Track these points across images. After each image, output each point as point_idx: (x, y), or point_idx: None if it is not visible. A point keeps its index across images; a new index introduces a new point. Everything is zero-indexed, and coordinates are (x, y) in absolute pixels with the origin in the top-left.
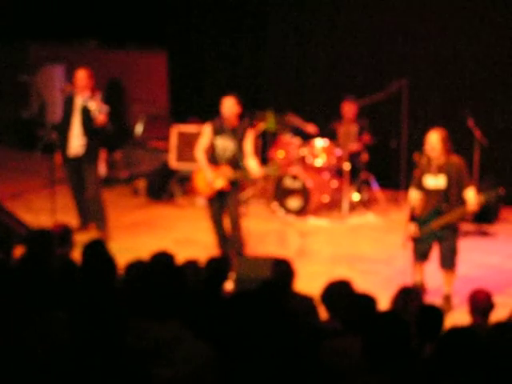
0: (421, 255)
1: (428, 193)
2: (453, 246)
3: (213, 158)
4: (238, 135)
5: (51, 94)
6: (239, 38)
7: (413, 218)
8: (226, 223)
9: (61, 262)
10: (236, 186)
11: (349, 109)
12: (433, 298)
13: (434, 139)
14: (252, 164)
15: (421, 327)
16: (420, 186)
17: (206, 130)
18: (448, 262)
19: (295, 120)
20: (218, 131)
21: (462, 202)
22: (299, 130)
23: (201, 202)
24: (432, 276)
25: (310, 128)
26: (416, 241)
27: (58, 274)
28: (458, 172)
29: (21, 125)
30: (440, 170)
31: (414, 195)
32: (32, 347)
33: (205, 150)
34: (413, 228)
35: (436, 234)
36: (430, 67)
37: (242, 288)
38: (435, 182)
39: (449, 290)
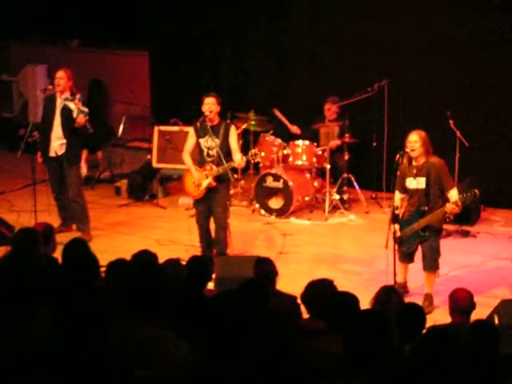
0: (405, 256)
1: (410, 193)
2: (434, 246)
3: (200, 159)
4: (219, 133)
5: (33, 93)
6: (221, 39)
7: (396, 218)
8: (212, 224)
9: (44, 261)
10: (224, 185)
11: (330, 109)
12: (414, 298)
13: (414, 140)
14: (237, 156)
15: (402, 326)
16: (402, 187)
17: (191, 132)
18: (429, 262)
19: (280, 115)
20: (200, 132)
21: (443, 202)
22: (280, 130)
23: (183, 201)
24: (414, 276)
25: (294, 129)
26: (399, 241)
27: (42, 273)
28: (438, 173)
29: (3, 124)
30: (420, 170)
31: (397, 196)
32: (14, 345)
33: (190, 152)
34: (396, 229)
35: (419, 234)
36: (411, 68)
37: (223, 288)
38: (416, 182)
39: (430, 289)
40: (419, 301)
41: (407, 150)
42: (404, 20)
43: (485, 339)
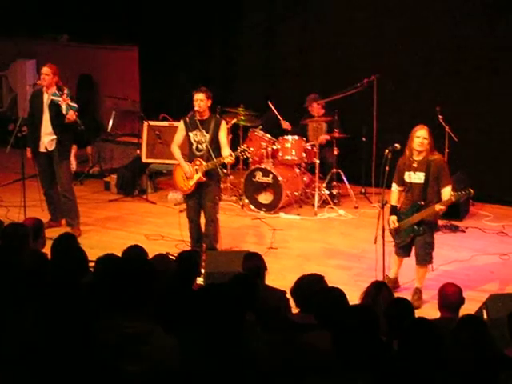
0: (400, 250)
1: (408, 187)
2: (429, 240)
3: (190, 153)
4: (210, 128)
5: (23, 88)
6: (210, 35)
7: (394, 210)
8: (203, 218)
9: (32, 256)
10: (214, 180)
11: (314, 107)
12: (404, 293)
13: (423, 136)
14: (226, 152)
15: (391, 321)
16: (400, 180)
17: (180, 125)
18: (423, 256)
19: (274, 109)
20: (191, 126)
21: (439, 198)
22: (269, 125)
23: (172, 196)
24: (405, 271)
25: (286, 125)
26: (395, 233)
27: (29, 269)
28: (438, 170)
29: None
30: (421, 165)
31: (394, 188)
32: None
33: (179, 145)
34: (393, 220)
35: (414, 228)
36: (400, 63)
37: (212, 282)
38: (415, 177)
39: (420, 284)
40: (409, 295)
41: (414, 145)
42: (393, 14)
43: (473, 334)
